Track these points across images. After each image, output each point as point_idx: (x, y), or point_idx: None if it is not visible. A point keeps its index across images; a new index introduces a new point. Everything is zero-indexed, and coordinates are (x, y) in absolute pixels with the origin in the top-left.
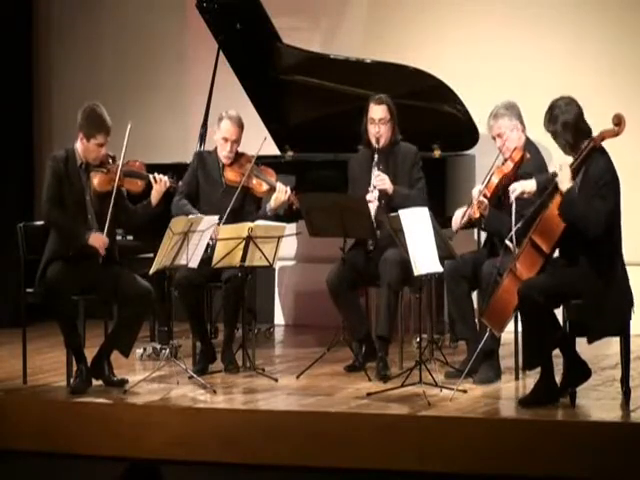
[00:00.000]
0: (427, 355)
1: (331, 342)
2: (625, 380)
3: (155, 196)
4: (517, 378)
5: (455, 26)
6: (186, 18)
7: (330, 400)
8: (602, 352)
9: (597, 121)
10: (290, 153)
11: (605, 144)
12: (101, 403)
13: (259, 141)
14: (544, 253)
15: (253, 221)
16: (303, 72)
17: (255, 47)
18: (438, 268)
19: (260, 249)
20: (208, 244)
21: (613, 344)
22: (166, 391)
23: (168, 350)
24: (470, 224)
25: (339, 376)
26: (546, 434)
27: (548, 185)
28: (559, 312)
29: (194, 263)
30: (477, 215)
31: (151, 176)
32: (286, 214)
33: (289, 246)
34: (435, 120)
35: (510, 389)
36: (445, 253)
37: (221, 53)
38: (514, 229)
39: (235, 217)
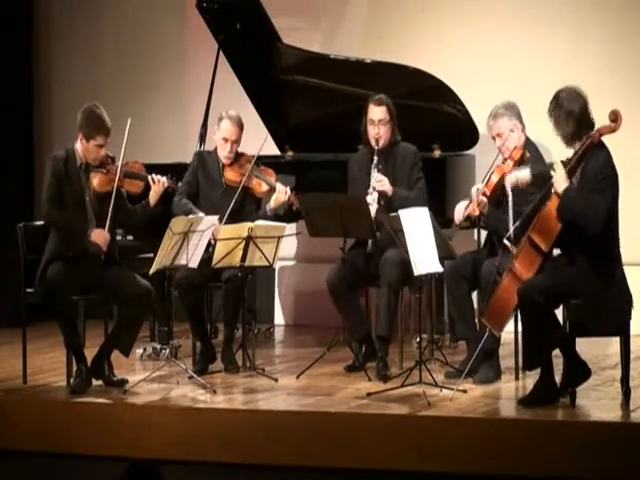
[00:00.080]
0: (427, 355)
1: (331, 342)
2: (625, 380)
3: (153, 197)
4: (517, 378)
5: (455, 26)
6: (186, 18)
7: (330, 400)
8: (602, 352)
9: (597, 121)
10: (290, 153)
11: (604, 141)
12: (101, 403)
13: (259, 141)
14: (543, 252)
15: (253, 221)
16: (303, 72)
17: (255, 47)
18: (438, 268)
19: (260, 249)
20: (209, 244)
21: (613, 344)
22: (166, 391)
23: (168, 350)
24: (470, 223)
25: (339, 376)
26: (546, 434)
27: (544, 178)
28: (559, 312)
29: (194, 263)
30: (477, 213)
31: (149, 177)
32: (286, 214)
33: (289, 246)
34: (435, 120)
35: (510, 389)
36: (445, 253)
37: (221, 53)
38: (512, 229)
39: (235, 217)
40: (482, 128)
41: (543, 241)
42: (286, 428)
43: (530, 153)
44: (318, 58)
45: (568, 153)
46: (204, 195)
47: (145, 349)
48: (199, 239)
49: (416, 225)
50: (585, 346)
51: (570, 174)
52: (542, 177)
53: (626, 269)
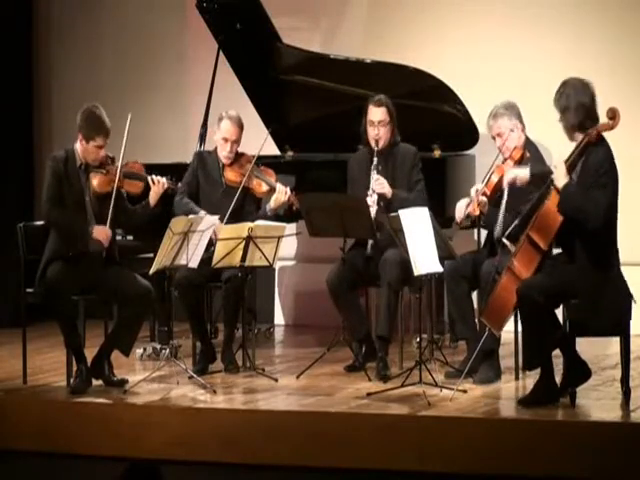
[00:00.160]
0: (427, 355)
1: (331, 342)
2: (625, 380)
3: (153, 197)
4: (517, 378)
5: (455, 26)
6: (186, 18)
7: (330, 400)
8: (602, 352)
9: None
10: (290, 153)
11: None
12: (101, 403)
13: (259, 141)
14: (541, 250)
15: (253, 221)
16: (303, 72)
17: (255, 47)
18: (438, 268)
19: (260, 249)
20: (211, 243)
21: (613, 344)
22: (166, 391)
23: (168, 350)
24: (471, 223)
25: (339, 376)
26: (546, 434)
27: (543, 177)
28: (559, 312)
29: (194, 263)
30: (477, 213)
31: (149, 178)
32: (286, 214)
33: (289, 246)
34: (435, 120)
35: (510, 389)
36: (445, 253)
37: (221, 53)
38: (511, 227)
39: (235, 217)
40: (482, 128)
41: (542, 239)
42: (286, 428)
43: (530, 153)
44: (318, 58)
45: (567, 153)
46: (204, 195)
47: (145, 349)
48: (199, 239)
49: (416, 225)
50: (585, 346)
51: (569, 170)
52: (541, 177)
53: (626, 269)
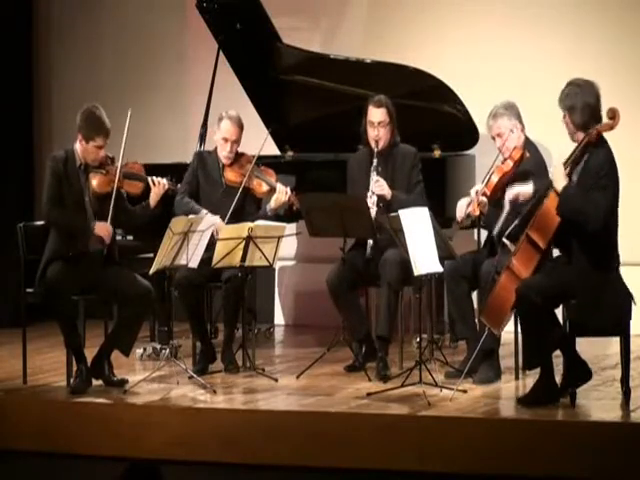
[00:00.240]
0: (427, 355)
1: (331, 342)
2: (625, 380)
3: (154, 198)
4: (517, 378)
5: (455, 26)
6: (186, 18)
7: (330, 400)
8: (602, 352)
9: None
10: (290, 153)
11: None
12: (101, 403)
13: (259, 141)
14: (541, 249)
15: (253, 221)
16: (303, 72)
17: (255, 47)
18: (438, 268)
19: (260, 249)
20: (212, 242)
21: (613, 344)
22: (166, 391)
23: (168, 350)
24: (471, 223)
25: (339, 376)
26: (546, 434)
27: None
28: (559, 312)
29: (194, 263)
30: (477, 213)
31: (149, 179)
32: (286, 214)
33: (289, 246)
34: (435, 120)
35: (510, 389)
36: (445, 253)
37: (221, 53)
38: (511, 227)
39: (236, 217)
40: (482, 128)
41: (541, 239)
42: (286, 428)
43: (530, 153)
44: (318, 58)
45: (567, 153)
46: (204, 195)
47: (145, 349)
48: (199, 239)
49: (416, 225)
50: (585, 346)
51: (570, 170)
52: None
53: (626, 269)
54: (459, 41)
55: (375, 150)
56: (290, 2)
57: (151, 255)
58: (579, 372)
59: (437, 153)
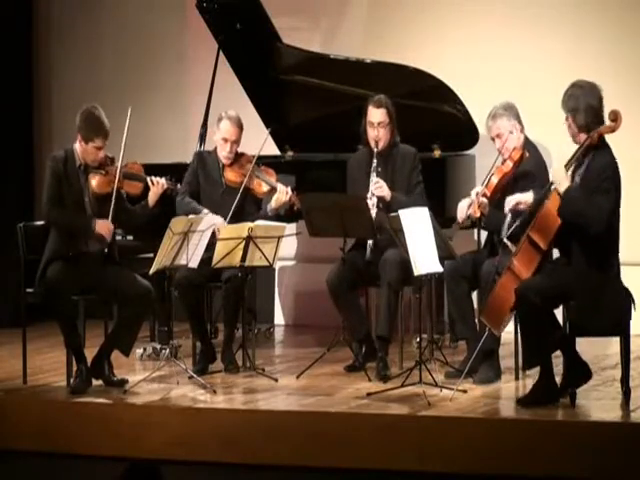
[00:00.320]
0: (427, 355)
1: (331, 342)
2: (625, 380)
3: (152, 198)
4: (517, 378)
5: (455, 26)
6: (186, 18)
7: (330, 400)
8: (602, 352)
9: None
10: (290, 153)
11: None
12: (101, 403)
13: (259, 141)
14: (541, 250)
15: (253, 221)
16: (303, 72)
17: (255, 47)
18: (438, 268)
19: (260, 249)
20: (212, 242)
21: (613, 344)
22: (166, 391)
23: (168, 350)
24: (471, 223)
25: (339, 376)
26: (546, 434)
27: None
28: (559, 312)
29: (194, 263)
30: (477, 214)
31: (148, 178)
32: (287, 214)
33: (289, 246)
34: (435, 120)
35: (510, 389)
36: (445, 253)
37: (221, 53)
38: (512, 228)
39: (236, 218)
40: (482, 128)
41: (542, 239)
42: (286, 428)
43: (530, 153)
44: (318, 58)
45: (567, 153)
46: (205, 195)
47: (145, 349)
48: (199, 239)
49: (416, 225)
50: (585, 346)
51: (573, 171)
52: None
53: (626, 269)
54: (459, 41)
55: (375, 151)
56: (290, 2)
57: (151, 255)
58: (579, 372)
59: (437, 153)
